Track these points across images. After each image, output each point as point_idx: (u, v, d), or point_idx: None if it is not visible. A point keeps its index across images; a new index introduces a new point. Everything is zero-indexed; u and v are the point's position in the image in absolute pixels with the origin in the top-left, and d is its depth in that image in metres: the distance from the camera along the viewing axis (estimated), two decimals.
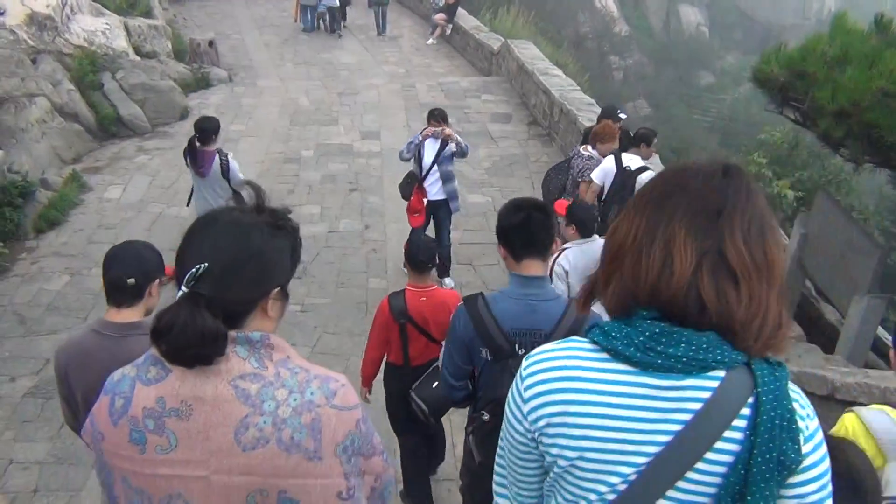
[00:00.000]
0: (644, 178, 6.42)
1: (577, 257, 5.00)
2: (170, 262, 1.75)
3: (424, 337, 4.49)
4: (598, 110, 10.67)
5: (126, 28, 13.56)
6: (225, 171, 6.71)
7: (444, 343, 3.43)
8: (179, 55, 15.32)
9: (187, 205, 7.31)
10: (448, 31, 17.92)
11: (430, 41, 18.08)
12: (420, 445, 4.76)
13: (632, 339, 1.23)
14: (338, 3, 18.26)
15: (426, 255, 4.51)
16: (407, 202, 7.32)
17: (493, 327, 2.97)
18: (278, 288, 1.59)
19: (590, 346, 1.31)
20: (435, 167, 7.12)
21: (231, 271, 1.51)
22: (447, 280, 7.55)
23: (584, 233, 5.09)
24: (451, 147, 7.11)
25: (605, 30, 37.66)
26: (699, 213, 1.22)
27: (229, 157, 6.82)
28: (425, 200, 7.18)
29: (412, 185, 7.24)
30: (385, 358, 4.59)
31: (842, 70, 5.51)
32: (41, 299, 7.17)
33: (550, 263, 4.94)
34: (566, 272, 4.96)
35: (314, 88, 14.20)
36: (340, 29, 18.67)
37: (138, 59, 13.23)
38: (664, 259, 1.21)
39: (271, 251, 1.59)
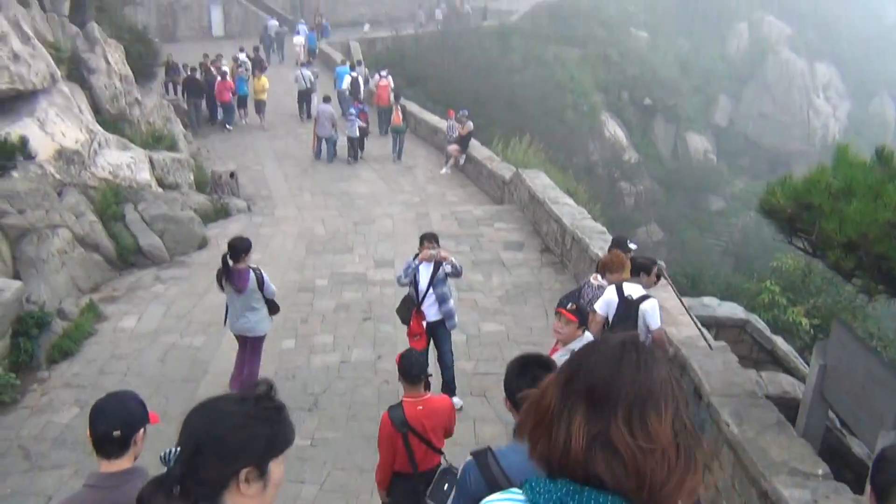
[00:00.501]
0: (646, 307, 6.46)
1: None
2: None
3: (425, 444, 4.91)
4: (610, 238, 10.81)
5: (151, 161, 14.08)
6: (261, 284, 7.46)
7: (452, 496, 3.54)
8: (201, 186, 15.81)
9: (224, 324, 7.83)
10: (461, 161, 18.48)
11: (443, 171, 18.61)
12: None
13: (552, 495, 1.39)
14: (357, 134, 19.05)
15: (418, 368, 5.03)
16: (407, 326, 7.50)
17: (504, 483, 2.94)
18: (248, 468, 1.77)
19: (522, 497, 1.48)
20: (431, 290, 7.34)
21: (196, 452, 1.74)
22: (455, 399, 7.49)
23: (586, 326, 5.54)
24: (447, 268, 7.35)
25: (614, 157, 38.72)
26: (592, 399, 1.39)
27: (261, 270, 7.55)
28: (424, 323, 7.39)
29: (410, 309, 7.45)
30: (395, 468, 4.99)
31: (847, 202, 5.56)
32: (48, 433, 7.08)
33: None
34: None
35: (330, 218, 14.53)
36: (358, 158, 19.38)
37: (161, 190, 13.66)
38: (565, 439, 1.38)
39: (238, 436, 1.78)
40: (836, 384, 6.26)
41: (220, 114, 22.56)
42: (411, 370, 5.05)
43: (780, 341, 9.17)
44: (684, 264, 21.27)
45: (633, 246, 7.70)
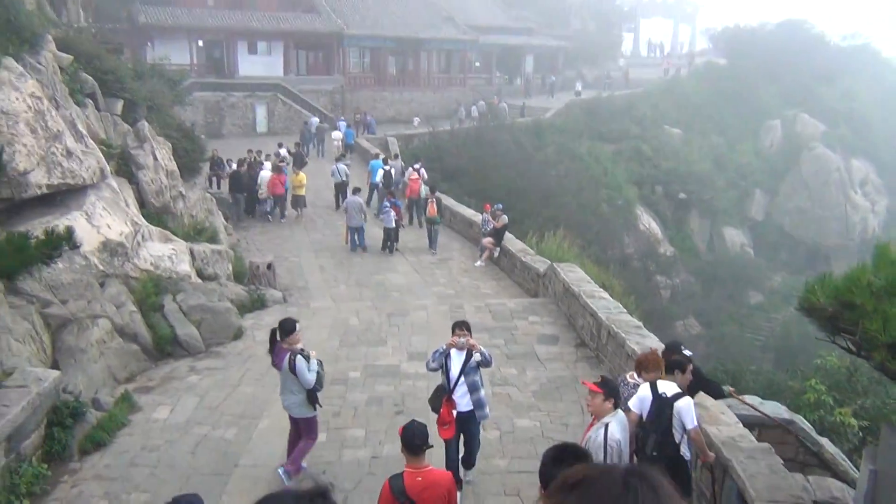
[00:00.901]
0: (681, 405, 6.29)
1: (621, 431, 5.75)
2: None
3: None
4: (646, 333, 10.69)
5: (191, 253, 14.41)
6: (292, 368, 7.64)
7: None
8: (239, 277, 16.07)
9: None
10: (496, 254, 18.57)
11: (478, 263, 18.70)
12: None
13: None
14: (393, 226, 19.44)
15: (420, 439, 5.28)
16: (437, 415, 7.45)
17: None
18: None
19: None
20: (462, 378, 7.35)
21: None
22: (471, 472, 7.83)
23: (618, 403, 5.87)
24: (477, 357, 7.38)
25: (650, 250, 38.59)
26: None
27: (298, 357, 7.67)
28: (454, 412, 7.35)
29: (441, 397, 7.44)
30: None
31: (890, 301, 5.44)
32: None
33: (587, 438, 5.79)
34: (620, 446, 5.64)
35: (365, 309, 14.58)
36: (393, 250, 19.66)
37: (200, 281, 13.91)
38: None
39: None
40: (888, 491, 5.96)
41: (268, 205, 23.19)
42: (413, 441, 5.27)
43: (827, 443, 8.82)
44: (724, 360, 20.81)
45: (688, 353, 7.21)
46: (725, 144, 52.26)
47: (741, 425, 7.48)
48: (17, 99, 11.34)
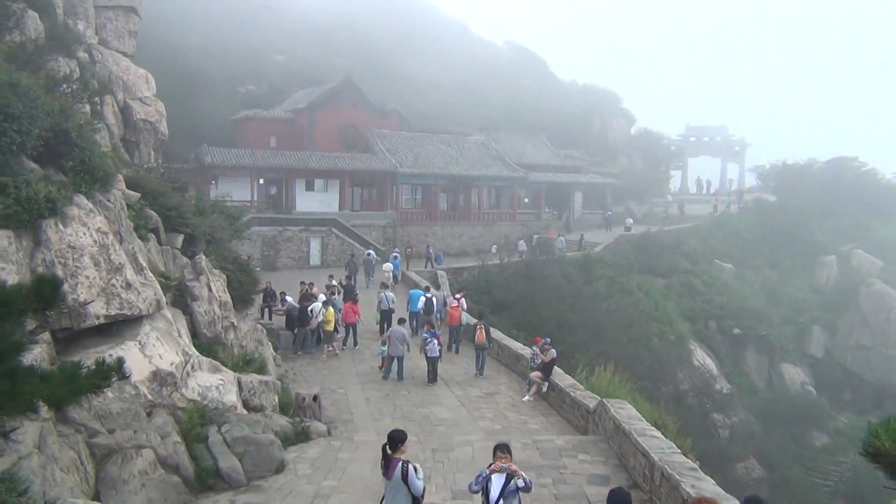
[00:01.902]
0: None
1: None
2: None
3: None
4: (702, 476, 10.17)
5: (239, 384, 14.49)
6: (405, 476, 8.01)
7: None
8: (284, 408, 16.01)
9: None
10: (544, 389, 18.22)
11: (526, 398, 18.34)
12: None
13: None
14: (438, 355, 19.61)
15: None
16: None
17: None
18: None
19: None
20: (501, 502, 7.65)
21: None
22: None
23: None
24: (518, 482, 7.67)
25: (705, 387, 37.38)
26: None
27: (410, 466, 8.10)
28: None
29: None
30: None
31: None
32: None
33: None
34: None
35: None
36: (436, 378, 19.85)
37: (245, 412, 13.89)
38: None
39: None
40: None
41: (334, 337, 23.48)
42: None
43: None
44: None
45: None
46: (779, 279, 51.60)
47: None
48: (85, 234, 11.95)
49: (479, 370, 20.89)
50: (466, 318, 23.81)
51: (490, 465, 7.87)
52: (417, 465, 8.35)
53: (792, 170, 65.39)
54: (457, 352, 23.62)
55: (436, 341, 19.53)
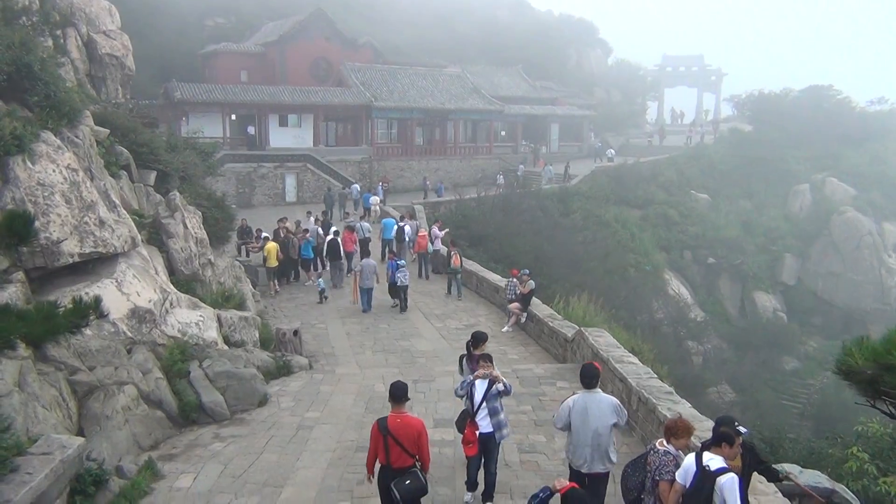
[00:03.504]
0: (724, 481, 5.94)
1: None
2: None
3: (398, 447, 7.23)
4: (678, 399, 10.43)
5: (219, 319, 14.48)
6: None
7: None
8: (265, 343, 16.08)
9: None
10: (523, 320, 18.42)
11: (505, 329, 18.54)
12: None
13: None
14: (408, 283, 20.33)
15: (402, 392, 7.51)
16: (462, 434, 8.59)
17: None
18: None
19: None
20: (484, 403, 8.44)
21: None
22: None
23: None
24: (499, 386, 8.47)
25: (680, 316, 38.08)
26: None
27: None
28: (477, 433, 8.40)
29: (465, 420, 8.56)
30: (378, 461, 7.40)
31: None
32: None
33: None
34: None
35: (391, 375, 14.41)
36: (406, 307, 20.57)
37: (226, 348, 13.93)
38: None
39: None
40: None
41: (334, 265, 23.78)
42: (397, 393, 7.49)
43: None
44: (760, 427, 20.17)
45: (742, 430, 6.68)
46: (753, 209, 52.08)
47: (780, 495, 7.19)
48: (54, 171, 11.68)
49: (458, 294, 22.12)
50: (432, 247, 25.39)
51: (475, 373, 8.59)
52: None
53: (767, 99, 65.31)
54: (427, 278, 24.89)
55: (406, 270, 20.39)
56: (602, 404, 7.71)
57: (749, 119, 65.06)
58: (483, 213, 36.50)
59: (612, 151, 55.49)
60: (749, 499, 6.42)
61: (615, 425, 7.76)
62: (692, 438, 7.09)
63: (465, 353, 10.13)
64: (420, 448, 7.37)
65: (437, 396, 12.91)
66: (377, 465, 7.46)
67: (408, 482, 7.15)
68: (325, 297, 21.62)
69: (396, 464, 7.22)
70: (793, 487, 8.07)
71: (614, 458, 7.85)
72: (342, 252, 23.31)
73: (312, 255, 24.04)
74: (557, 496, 6.27)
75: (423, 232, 25.89)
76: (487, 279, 22.56)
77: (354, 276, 21.01)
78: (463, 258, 22.83)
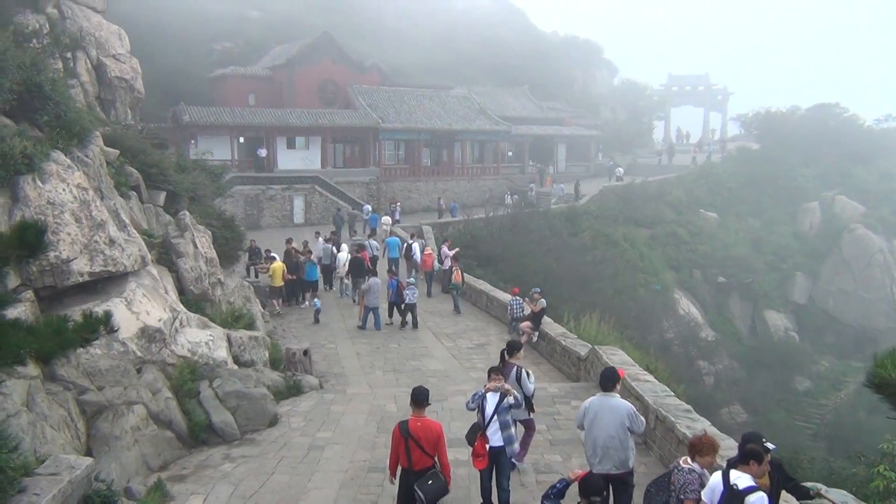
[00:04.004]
0: (753, 500, 5.70)
1: None
2: None
3: (419, 449, 7.54)
4: (696, 417, 10.22)
5: (229, 339, 14.36)
6: (518, 378, 9.64)
7: None
8: (275, 363, 15.93)
9: None
10: (535, 339, 18.23)
11: None
12: None
13: None
14: (415, 301, 20.52)
15: (424, 397, 7.81)
16: (472, 447, 8.47)
17: None
18: None
19: None
20: (495, 417, 8.43)
21: None
22: None
23: None
24: (510, 400, 8.50)
25: (691, 335, 37.80)
26: None
27: (524, 371, 9.81)
28: (487, 446, 8.33)
29: (476, 433, 8.47)
30: (399, 465, 7.67)
31: None
32: None
33: None
34: None
35: (402, 395, 14.22)
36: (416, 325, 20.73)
37: (236, 367, 13.79)
38: None
39: None
40: None
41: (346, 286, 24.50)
42: (419, 398, 7.81)
43: None
44: (777, 448, 19.88)
45: (770, 446, 6.48)
46: (763, 227, 51.85)
47: None
48: (64, 190, 11.64)
49: (456, 310, 22.71)
50: (438, 266, 25.92)
51: (485, 386, 8.63)
52: (530, 371, 10.04)
53: (774, 118, 65.26)
54: (429, 295, 25.17)
55: (416, 289, 20.79)
56: (616, 408, 7.82)
57: (756, 138, 65.00)
58: (491, 234, 36.41)
59: (622, 170, 55.50)
60: None
61: (630, 430, 7.80)
62: (717, 457, 6.89)
63: (500, 362, 10.17)
64: (439, 451, 7.74)
65: (450, 416, 12.71)
66: (399, 469, 7.83)
67: (430, 482, 7.55)
68: (319, 319, 21.56)
69: (418, 466, 7.58)
70: None
71: (630, 464, 7.84)
72: (365, 268, 23.32)
73: (316, 277, 23.90)
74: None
75: (430, 251, 26.30)
76: (497, 298, 22.40)
77: (361, 296, 20.91)
78: (473, 278, 23.38)
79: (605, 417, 7.77)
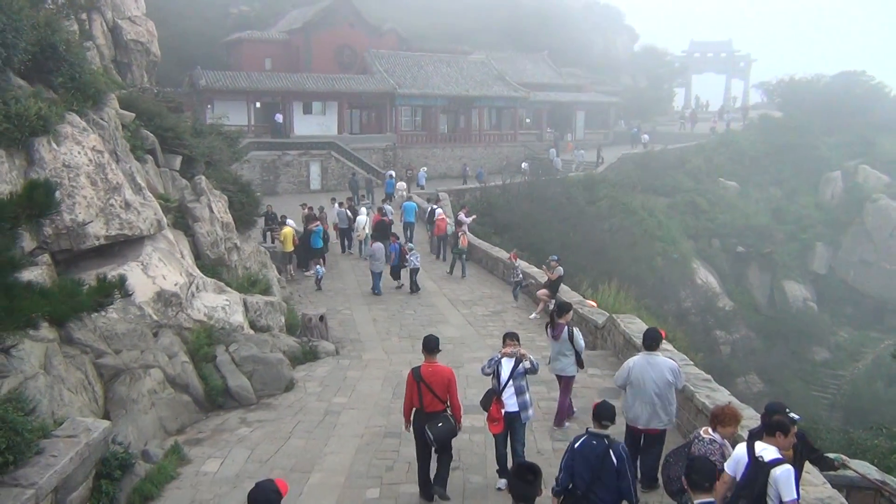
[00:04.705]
0: (778, 472, 5.56)
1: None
2: None
3: (431, 393, 8.00)
4: (716, 386, 10.11)
5: (245, 304, 14.35)
6: (571, 336, 10.29)
7: None
8: (291, 329, 15.95)
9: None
10: (551, 307, 18.08)
11: (532, 316, 18.27)
12: (425, 457, 8.30)
13: None
14: (419, 266, 21.05)
15: (433, 343, 8.26)
16: (487, 412, 8.55)
17: None
18: None
19: None
20: (511, 382, 8.41)
21: None
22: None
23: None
24: (525, 364, 8.45)
25: (708, 304, 37.52)
26: None
27: (575, 329, 10.44)
28: (503, 411, 8.37)
29: (491, 398, 8.53)
30: (413, 407, 8.15)
31: None
32: None
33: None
34: None
35: (418, 362, 14.18)
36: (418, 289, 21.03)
37: (252, 332, 13.80)
38: None
39: None
40: None
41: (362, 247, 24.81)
42: (430, 345, 8.25)
43: None
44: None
45: (795, 416, 6.42)
46: (784, 197, 51.15)
47: (829, 486, 6.86)
48: (79, 153, 11.56)
49: (462, 274, 23.03)
50: (451, 229, 25.90)
51: (500, 351, 8.60)
52: (577, 329, 10.54)
53: (798, 85, 63.98)
54: (444, 259, 25.38)
55: (417, 253, 21.16)
56: (661, 365, 8.22)
57: (779, 105, 63.85)
58: (508, 201, 36.12)
59: (647, 137, 54.75)
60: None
61: (673, 386, 8.20)
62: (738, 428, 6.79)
63: (549, 321, 10.72)
64: (451, 394, 8.15)
65: (466, 383, 12.66)
66: (413, 411, 8.25)
67: (440, 424, 7.97)
68: (321, 286, 21.52)
69: (429, 408, 8.00)
70: (841, 478, 7.73)
71: (672, 418, 8.34)
72: (390, 231, 23.51)
73: (321, 245, 23.64)
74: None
75: (443, 215, 26.36)
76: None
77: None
78: (489, 245, 23.61)
79: (649, 375, 8.13)
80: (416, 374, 8.11)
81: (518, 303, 19.84)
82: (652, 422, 8.13)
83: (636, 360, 8.38)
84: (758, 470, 5.64)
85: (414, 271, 20.83)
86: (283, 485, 5.01)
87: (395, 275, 21.46)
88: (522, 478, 5.06)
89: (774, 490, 5.55)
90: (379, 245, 20.94)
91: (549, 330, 10.71)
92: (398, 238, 22.34)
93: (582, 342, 10.48)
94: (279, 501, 4.89)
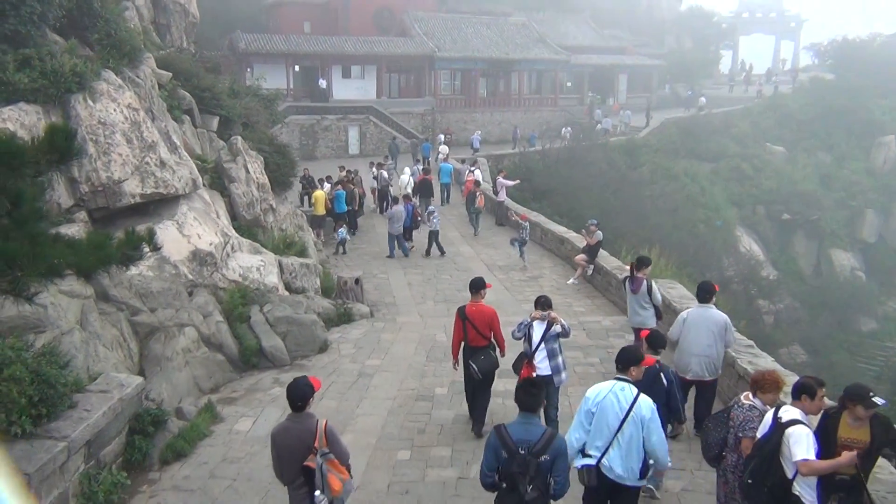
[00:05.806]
0: (793, 432, 5.39)
1: None
2: None
3: (474, 329, 8.77)
4: (758, 352, 9.81)
5: (280, 265, 14.33)
6: (649, 290, 10.61)
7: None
8: (327, 291, 15.92)
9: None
10: (590, 272, 17.80)
11: (570, 281, 17.99)
12: (472, 389, 9.16)
13: None
14: (438, 228, 20.67)
15: (478, 284, 9.04)
16: (518, 376, 8.38)
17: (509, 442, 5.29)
18: None
19: None
20: (542, 345, 8.34)
21: None
22: None
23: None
24: (556, 328, 8.37)
25: (751, 273, 36.65)
26: None
27: (654, 282, 10.78)
28: (534, 374, 8.16)
29: (522, 361, 8.48)
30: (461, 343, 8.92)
31: None
32: None
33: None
34: None
35: (452, 325, 14.09)
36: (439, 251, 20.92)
37: (287, 294, 13.79)
38: None
39: None
40: None
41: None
42: (475, 285, 9.02)
43: None
44: (836, 390, 19.26)
45: (879, 401, 5.68)
46: (833, 163, 49.50)
47: None
48: (115, 110, 11.54)
49: (475, 232, 23.59)
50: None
51: (531, 314, 8.50)
52: (655, 283, 10.89)
53: (852, 46, 61.43)
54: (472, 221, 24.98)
55: (437, 215, 20.89)
56: (714, 317, 8.54)
57: (830, 68, 61.49)
58: (547, 166, 35.58)
59: (704, 99, 53.14)
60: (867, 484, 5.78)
61: (724, 340, 8.52)
62: (780, 394, 6.49)
63: (629, 274, 10.94)
64: (494, 330, 8.86)
65: None
66: (461, 350, 9.02)
67: (482, 357, 8.72)
68: (345, 250, 21.40)
69: (472, 343, 8.77)
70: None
71: (719, 370, 8.66)
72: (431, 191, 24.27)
73: (345, 209, 23.42)
74: None
75: (472, 177, 26.03)
76: (553, 231, 21.93)
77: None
78: (527, 210, 23.61)
79: (702, 327, 8.44)
80: (461, 312, 8.84)
81: (525, 264, 19.55)
82: (703, 373, 8.44)
83: (690, 312, 8.71)
84: (777, 429, 5.56)
85: (434, 234, 20.59)
86: (317, 382, 5.89)
87: (407, 236, 21.37)
88: (527, 391, 5.52)
89: (787, 448, 5.42)
90: (398, 207, 20.69)
91: (627, 284, 10.93)
92: (411, 199, 22.46)
93: (659, 296, 10.77)
94: (312, 394, 5.75)
